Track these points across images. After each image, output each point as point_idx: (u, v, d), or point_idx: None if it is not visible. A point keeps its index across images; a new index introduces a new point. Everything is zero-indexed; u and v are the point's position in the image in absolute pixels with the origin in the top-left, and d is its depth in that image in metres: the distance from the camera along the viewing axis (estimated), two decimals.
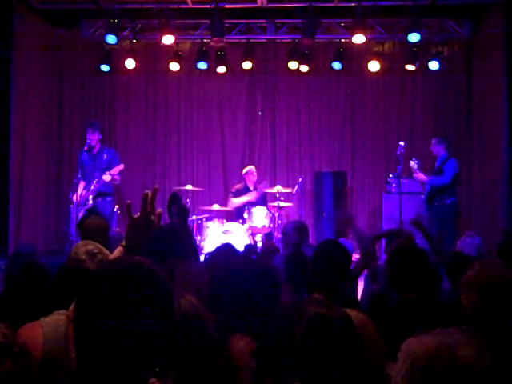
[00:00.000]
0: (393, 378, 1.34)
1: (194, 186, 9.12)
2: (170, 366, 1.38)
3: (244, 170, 9.07)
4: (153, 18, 8.64)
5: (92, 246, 2.66)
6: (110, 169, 7.71)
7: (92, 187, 7.57)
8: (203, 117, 10.20)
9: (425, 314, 2.79)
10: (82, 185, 7.60)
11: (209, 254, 3.78)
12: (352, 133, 10.01)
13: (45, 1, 8.54)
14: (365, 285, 4.80)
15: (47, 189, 9.30)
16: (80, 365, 1.34)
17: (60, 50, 9.60)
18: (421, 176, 7.49)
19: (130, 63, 9.23)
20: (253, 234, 8.27)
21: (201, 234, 8.50)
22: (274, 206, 8.55)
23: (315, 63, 9.63)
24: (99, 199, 7.62)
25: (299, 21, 8.86)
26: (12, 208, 8.35)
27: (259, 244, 8.14)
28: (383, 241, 6.24)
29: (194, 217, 8.71)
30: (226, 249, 3.68)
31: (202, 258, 6.66)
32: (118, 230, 8.65)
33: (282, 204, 8.57)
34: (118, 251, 2.25)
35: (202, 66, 9.28)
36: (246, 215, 8.47)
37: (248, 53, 9.32)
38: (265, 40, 9.73)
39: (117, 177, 7.63)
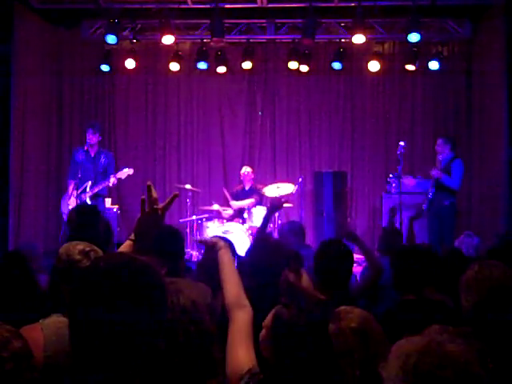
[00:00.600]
0: (385, 378, 1.37)
1: (193, 186, 9.13)
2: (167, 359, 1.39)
3: (241, 171, 9.10)
4: (153, 17, 8.64)
5: (83, 245, 2.63)
6: (106, 173, 7.69)
7: (88, 189, 7.55)
8: (203, 117, 10.20)
9: (426, 314, 2.79)
10: (73, 185, 7.56)
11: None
12: (352, 133, 10.01)
13: (45, 1, 8.55)
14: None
15: (47, 189, 9.29)
16: (76, 363, 1.34)
17: (60, 50, 9.60)
18: (438, 173, 7.46)
19: (129, 63, 9.23)
20: (253, 234, 8.27)
21: (201, 234, 8.51)
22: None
23: (315, 63, 9.63)
24: (92, 200, 7.61)
25: (299, 21, 8.86)
26: (12, 208, 8.35)
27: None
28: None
29: (194, 217, 8.72)
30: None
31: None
32: (118, 229, 8.68)
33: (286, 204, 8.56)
34: (126, 245, 2.26)
35: (202, 66, 9.28)
36: (246, 215, 8.48)
37: (248, 53, 9.32)
38: (265, 40, 9.73)
39: (116, 181, 7.64)
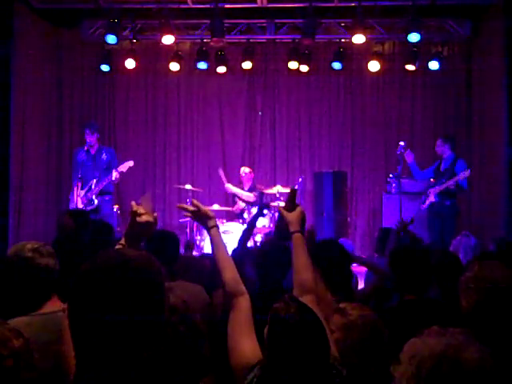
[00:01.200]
0: (397, 379, 1.34)
1: (193, 185, 9.13)
2: (159, 357, 1.38)
3: (240, 171, 9.11)
4: (153, 18, 8.64)
5: (31, 243, 2.65)
6: (109, 169, 7.73)
7: (93, 187, 7.59)
8: (203, 117, 10.20)
9: (427, 315, 2.78)
10: (79, 185, 7.60)
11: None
12: (352, 133, 10.01)
13: (45, 1, 8.54)
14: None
15: (47, 189, 9.30)
16: (79, 361, 1.34)
17: (60, 50, 9.60)
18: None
19: (129, 63, 9.23)
20: (253, 234, 8.27)
21: (201, 234, 8.51)
22: (273, 206, 8.55)
23: (315, 63, 9.63)
24: (99, 198, 7.64)
25: (299, 21, 8.85)
26: (12, 208, 8.35)
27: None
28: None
29: None
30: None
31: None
32: (118, 229, 8.68)
33: (282, 204, 8.55)
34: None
35: (202, 66, 9.28)
36: (246, 215, 8.48)
37: (248, 53, 9.32)
38: (265, 40, 9.72)
39: (118, 175, 7.66)
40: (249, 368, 1.99)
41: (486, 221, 8.52)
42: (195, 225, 8.69)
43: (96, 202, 7.57)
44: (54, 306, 2.57)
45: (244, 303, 2.19)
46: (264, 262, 3.46)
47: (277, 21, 9.30)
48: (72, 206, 7.75)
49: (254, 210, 8.49)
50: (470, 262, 4.44)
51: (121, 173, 7.65)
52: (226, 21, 8.69)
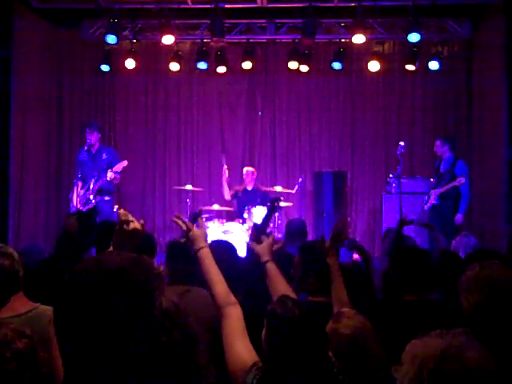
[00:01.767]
0: (399, 380, 1.34)
1: (193, 186, 9.13)
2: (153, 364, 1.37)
3: (243, 170, 9.11)
4: (153, 17, 8.64)
5: None
6: (109, 168, 7.73)
7: (91, 186, 7.59)
8: (203, 117, 10.20)
9: (428, 315, 2.78)
10: (79, 185, 7.60)
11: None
12: (352, 133, 10.01)
13: (45, 0, 8.54)
14: None
15: (47, 189, 9.30)
16: (68, 366, 1.33)
17: (60, 50, 9.60)
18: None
19: (129, 63, 9.23)
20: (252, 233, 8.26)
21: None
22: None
23: (315, 63, 9.63)
24: (98, 198, 7.63)
25: (299, 21, 8.85)
26: (12, 208, 8.35)
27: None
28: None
29: None
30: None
31: None
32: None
33: (282, 204, 8.57)
34: None
35: (202, 66, 9.28)
36: (246, 215, 8.48)
37: (248, 53, 9.32)
38: (265, 40, 9.72)
39: (117, 175, 7.65)
40: (245, 370, 2.00)
41: (485, 221, 8.52)
42: (195, 225, 8.67)
43: (93, 201, 7.55)
44: (18, 308, 2.56)
45: (235, 311, 2.21)
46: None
47: (277, 21, 9.30)
48: (72, 205, 7.75)
49: (254, 210, 8.49)
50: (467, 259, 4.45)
51: (116, 173, 7.63)
52: (226, 21, 8.69)
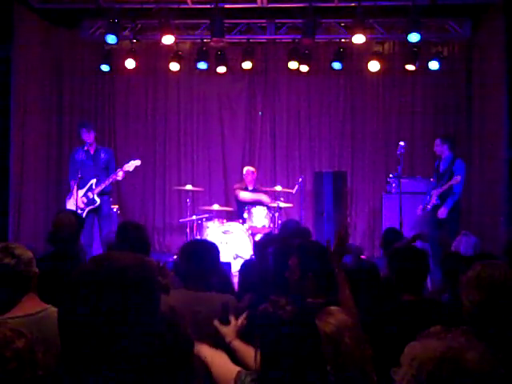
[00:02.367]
0: (398, 381, 1.34)
1: (193, 185, 9.13)
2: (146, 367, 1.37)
3: (244, 170, 9.11)
4: (153, 17, 8.63)
5: (5, 243, 2.68)
6: (107, 168, 7.72)
7: (93, 186, 7.58)
8: (203, 117, 10.20)
9: (428, 315, 2.77)
10: (74, 185, 7.58)
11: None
12: (352, 133, 10.01)
13: (45, 0, 8.53)
14: None
15: (47, 189, 9.29)
16: (67, 365, 1.33)
17: (60, 50, 9.60)
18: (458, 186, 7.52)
19: (129, 63, 9.23)
20: (253, 234, 8.27)
21: (201, 234, 8.51)
22: (273, 206, 8.56)
23: (315, 63, 9.63)
24: (100, 198, 7.63)
25: (299, 21, 8.84)
26: (12, 208, 8.34)
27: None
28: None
29: (194, 217, 8.72)
30: None
31: None
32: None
33: (282, 204, 8.58)
34: None
35: (202, 66, 9.28)
36: (246, 215, 8.48)
37: (248, 53, 9.32)
38: (265, 40, 9.72)
39: (124, 174, 7.66)
40: (233, 378, 2.05)
41: (486, 221, 8.52)
42: (195, 225, 8.69)
43: (98, 201, 7.56)
44: (28, 309, 2.56)
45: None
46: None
47: (277, 21, 9.29)
48: (70, 206, 7.72)
49: (255, 210, 8.49)
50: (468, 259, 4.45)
51: (126, 172, 7.64)
52: (226, 21, 8.68)
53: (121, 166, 7.72)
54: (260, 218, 8.49)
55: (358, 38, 8.31)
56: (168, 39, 8.50)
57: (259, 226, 8.40)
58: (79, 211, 7.28)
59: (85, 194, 7.57)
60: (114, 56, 9.31)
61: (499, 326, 2.00)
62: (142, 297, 1.34)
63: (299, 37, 8.90)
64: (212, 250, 3.59)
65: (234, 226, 8.36)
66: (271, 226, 8.39)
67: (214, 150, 10.16)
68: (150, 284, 1.38)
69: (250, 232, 8.26)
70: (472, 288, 2.09)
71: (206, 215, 8.77)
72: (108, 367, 1.29)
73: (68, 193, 7.96)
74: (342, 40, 9.21)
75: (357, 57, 9.58)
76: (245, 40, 9.40)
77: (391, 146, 9.36)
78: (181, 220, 9.28)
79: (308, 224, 9.42)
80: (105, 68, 9.26)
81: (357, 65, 9.67)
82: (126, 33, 9.22)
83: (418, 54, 9.00)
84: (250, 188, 8.94)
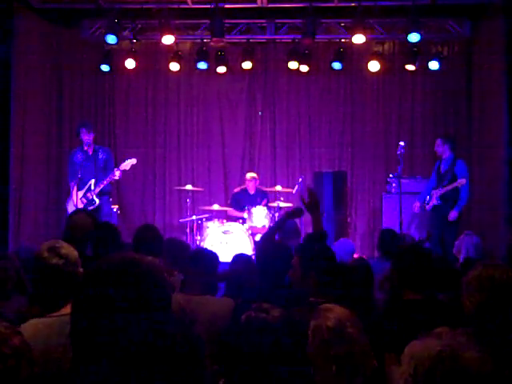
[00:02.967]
0: (397, 380, 1.34)
1: (193, 186, 9.13)
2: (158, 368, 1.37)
3: (247, 176, 9.08)
4: (153, 17, 8.64)
5: (53, 242, 2.71)
6: (106, 168, 7.72)
7: (92, 187, 7.58)
8: (203, 117, 10.20)
9: (433, 315, 2.77)
10: (74, 187, 7.58)
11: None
12: (352, 133, 10.01)
13: (45, 0, 8.54)
14: None
15: (47, 188, 9.29)
16: (76, 365, 1.34)
17: (60, 50, 9.59)
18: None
19: (129, 63, 9.23)
20: (253, 234, 8.28)
21: (201, 234, 8.51)
22: (273, 206, 8.56)
23: (315, 63, 9.63)
24: (99, 198, 7.63)
25: (299, 21, 8.85)
26: (12, 208, 8.35)
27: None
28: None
29: (194, 217, 8.73)
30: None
31: None
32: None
33: (282, 204, 8.58)
34: None
35: (202, 66, 9.28)
36: (245, 215, 8.48)
37: (248, 53, 9.32)
38: (265, 40, 9.72)
39: (121, 173, 7.66)
40: None
41: (485, 221, 8.52)
42: (195, 225, 8.69)
43: (98, 201, 7.56)
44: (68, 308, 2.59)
45: None
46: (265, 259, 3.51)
47: (277, 21, 9.30)
48: (70, 208, 7.72)
49: (255, 210, 8.49)
50: (468, 259, 4.45)
51: (123, 171, 7.65)
52: (226, 21, 8.68)
53: (119, 165, 7.73)
54: (260, 218, 8.49)
55: (358, 38, 8.32)
56: (168, 39, 8.50)
57: (259, 226, 8.40)
58: None
59: (84, 195, 7.56)
60: (114, 56, 9.30)
61: (500, 326, 2.00)
62: (157, 294, 1.35)
63: (299, 37, 8.91)
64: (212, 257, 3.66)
65: (234, 226, 8.36)
66: (271, 225, 8.38)
67: (214, 150, 10.16)
68: (164, 282, 1.39)
69: (249, 232, 8.26)
70: (473, 289, 2.09)
71: (206, 215, 8.77)
72: (115, 364, 1.29)
73: (68, 194, 7.96)
74: (342, 40, 9.21)
75: (357, 57, 9.57)
76: (245, 40, 9.40)
77: (391, 146, 9.37)
78: (181, 220, 9.28)
79: (308, 224, 9.42)
80: (105, 68, 9.26)
81: (357, 65, 9.67)
82: (126, 33, 9.21)
83: (418, 54, 9.00)
84: (252, 193, 8.93)
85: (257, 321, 2.03)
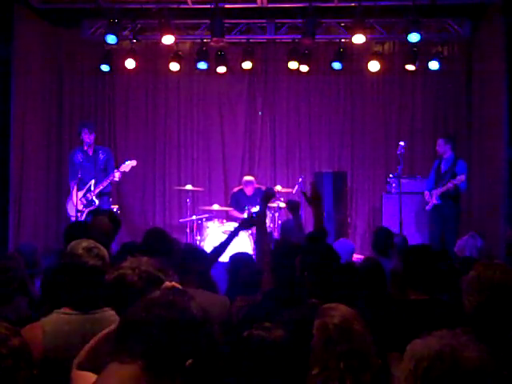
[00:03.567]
0: (398, 378, 1.36)
1: (193, 186, 9.13)
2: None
3: (244, 178, 9.08)
4: (153, 17, 8.63)
5: (87, 242, 2.73)
6: (106, 169, 7.72)
7: (92, 187, 7.58)
8: (203, 117, 10.20)
9: (438, 316, 2.76)
10: (74, 187, 7.59)
11: None
12: (352, 133, 10.01)
13: (45, 0, 8.53)
14: None
15: (47, 189, 9.29)
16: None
17: (60, 50, 9.60)
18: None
19: (129, 63, 9.23)
20: (253, 234, 8.27)
21: (201, 234, 8.51)
22: (273, 206, 8.56)
23: (315, 63, 9.63)
24: (99, 199, 7.64)
25: (299, 21, 8.85)
26: (12, 208, 8.34)
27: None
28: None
29: (194, 217, 8.73)
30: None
31: None
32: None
33: (282, 204, 8.57)
34: None
35: (202, 66, 9.28)
36: (245, 215, 8.47)
37: (248, 53, 9.32)
38: (265, 40, 9.72)
39: (121, 175, 7.66)
40: None
41: (485, 221, 8.52)
42: (195, 225, 8.69)
43: (97, 202, 7.56)
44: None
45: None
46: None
47: (277, 21, 9.29)
48: (70, 208, 7.72)
49: (255, 210, 8.48)
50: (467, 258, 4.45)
51: (123, 173, 7.65)
52: (226, 21, 8.68)
53: (119, 165, 7.73)
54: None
55: (358, 38, 8.32)
56: (168, 39, 8.50)
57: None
58: (78, 213, 7.28)
59: (84, 196, 7.57)
60: (114, 56, 9.30)
61: (499, 326, 2.00)
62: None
63: (299, 37, 8.90)
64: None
65: (233, 226, 8.35)
66: (271, 226, 8.38)
67: (214, 150, 10.16)
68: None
69: (249, 232, 8.26)
70: (473, 289, 2.10)
71: (206, 215, 8.77)
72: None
73: (68, 194, 7.96)
74: (342, 40, 9.21)
75: (357, 57, 9.57)
76: (245, 40, 9.40)
77: (391, 146, 9.36)
78: (181, 220, 9.28)
79: (308, 224, 9.42)
80: (105, 68, 9.26)
81: (357, 65, 9.66)
82: (126, 33, 9.22)
83: (418, 53, 8.99)
84: (250, 194, 8.93)
85: (258, 339, 2.05)
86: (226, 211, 9.27)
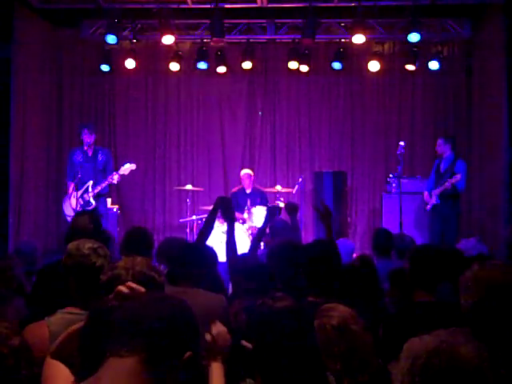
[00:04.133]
0: (394, 375, 1.36)
1: (193, 185, 9.13)
2: None
3: (241, 172, 9.08)
4: (153, 17, 8.64)
5: (90, 242, 2.73)
6: (105, 170, 7.72)
7: (90, 188, 7.56)
8: (203, 117, 10.20)
9: (446, 317, 2.75)
10: (72, 187, 7.58)
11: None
12: (352, 133, 10.01)
13: (45, 0, 8.53)
14: None
15: (47, 189, 9.29)
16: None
17: (60, 50, 9.60)
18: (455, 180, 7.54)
19: (129, 63, 9.23)
20: (253, 234, 8.27)
21: None
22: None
23: (315, 63, 9.63)
24: (96, 200, 7.63)
25: (299, 21, 8.85)
26: (12, 208, 8.35)
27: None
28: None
29: (194, 217, 8.72)
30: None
31: None
32: (118, 229, 8.66)
33: (282, 204, 8.57)
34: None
35: (202, 66, 9.28)
36: (245, 215, 8.47)
37: (248, 53, 9.32)
38: (265, 40, 9.72)
39: (120, 177, 7.65)
40: None
41: (485, 221, 8.52)
42: (195, 225, 8.69)
43: (94, 203, 7.55)
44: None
45: None
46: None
47: (277, 21, 9.30)
48: (66, 208, 7.70)
49: (255, 211, 8.48)
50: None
51: (121, 176, 7.64)
52: (226, 21, 8.69)
53: (118, 167, 7.74)
54: (260, 218, 8.47)
55: (358, 38, 8.32)
56: (168, 39, 8.50)
57: (259, 225, 8.38)
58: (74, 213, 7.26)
59: (81, 196, 7.56)
60: (113, 56, 9.31)
61: (496, 326, 2.00)
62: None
63: (299, 37, 8.91)
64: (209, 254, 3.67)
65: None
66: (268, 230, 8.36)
67: (214, 150, 10.16)
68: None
69: (249, 232, 8.26)
70: (469, 288, 2.10)
71: (206, 215, 8.74)
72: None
73: (65, 194, 7.95)
74: (342, 40, 9.22)
75: (357, 57, 9.57)
76: (245, 40, 9.40)
77: (391, 146, 9.36)
78: (181, 220, 9.28)
79: (308, 224, 9.44)
80: (105, 68, 9.26)
81: (357, 65, 9.67)
82: (126, 33, 9.22)
83: (418, 53, 9.00)
84: (248, 191, 8.92)
85: (271, 310, 2.04)
86: None
